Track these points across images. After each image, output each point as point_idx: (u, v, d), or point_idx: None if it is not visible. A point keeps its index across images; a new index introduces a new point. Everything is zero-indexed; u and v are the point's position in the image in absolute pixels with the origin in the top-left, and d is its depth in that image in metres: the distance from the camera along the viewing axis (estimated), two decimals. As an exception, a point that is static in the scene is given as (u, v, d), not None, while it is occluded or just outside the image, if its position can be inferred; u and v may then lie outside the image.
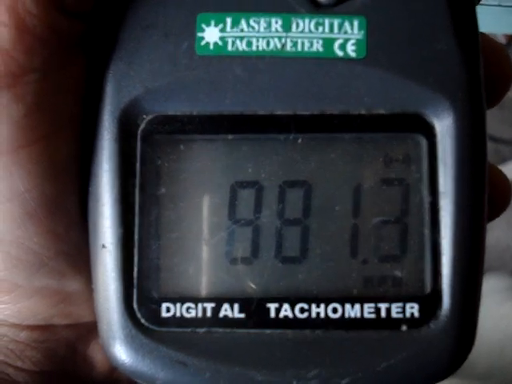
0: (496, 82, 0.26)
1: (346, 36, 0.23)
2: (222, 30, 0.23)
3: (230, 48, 0.23)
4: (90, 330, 0.28)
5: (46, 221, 0.23)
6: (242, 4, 0.23)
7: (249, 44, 0.23)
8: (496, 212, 0.28)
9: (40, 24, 0.22)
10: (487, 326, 0.75)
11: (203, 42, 0.23)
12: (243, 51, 0.23)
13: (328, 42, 0.23)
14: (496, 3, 0.64)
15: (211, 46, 0.23)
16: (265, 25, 0.23)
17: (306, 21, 0.23)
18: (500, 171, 0.28)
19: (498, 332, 0.75)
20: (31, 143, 0.22)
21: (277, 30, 0.23)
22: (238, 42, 0.23)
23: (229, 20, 0.23)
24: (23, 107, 0.22)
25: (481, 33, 0.25)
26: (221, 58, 0.23)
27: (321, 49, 0.23)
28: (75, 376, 0.28)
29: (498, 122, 1.20)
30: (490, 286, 0.82)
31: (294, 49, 0.23)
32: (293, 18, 0.23)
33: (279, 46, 0.23)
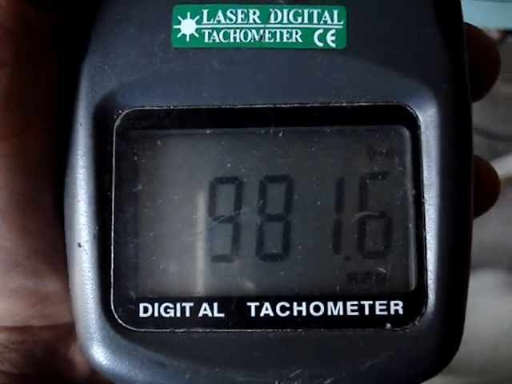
0: (483, 73, 0.26)
1: (326, 26, 0.23)
2: (199, 22, 0.23)
3: (206, 40, 0.23)
4: (69, 330, 0.27)
5: (18, 217, 0.23)
6: None
7: (226, 36, 0.23)
8: (484, 206, 0.28)
9: (8, 16, 0.21)
10: (482, 323, 0.74)
11: (179, 34, 0.23)
12: (220, 43, 0.23)
13: (307, 33, 0.23)
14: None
15: (187, 38, 0.23)
16: (242, 16, 0.23)
17: (285, 11, 0.23)
18: (488, 164, 0.28)
19: (493, 328, 0.74)
20: (2, 140, 0.22)
21: (255, 21, 0.23)
22: (214, 33, 0.23)
23: (205, 12, 0.23)
24: None
25: (468, 24, 0.24)
26: (197, 50, 0.23)
27: (300, 39, 0.23)
28: (55, 378, 0.28)
29: (492, 118, 1.19)
30: (485, 282, 0.82)
31: (272, 40, 0.23)
32: (271, 9, 0.23)
33: (257, 37, 0.23)
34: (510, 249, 1.16)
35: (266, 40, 0.23)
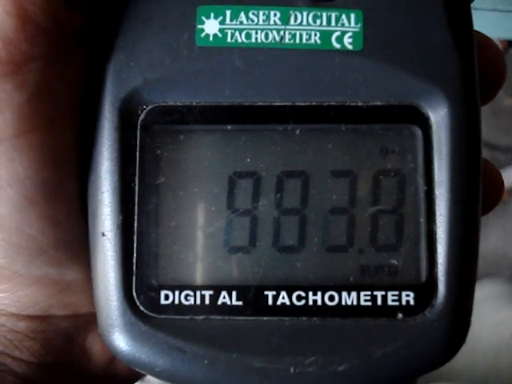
0: (489, 78, 0.27)
1: (343, 29, 0.24)
2: (222, 23, 0.24)
3: (229, 40, 0.24)
4: (88, 321, 0.28)
5: (45, 207, 0.24)
6: None
7: (248, 36, 0.24)
8: (489, 206, 0.29)
9: (42, 14, 0.22)
10: (484, 332, 0.75)
11: (203, 34, 0.24)
12: (242, 43, 0.24)
13: (325, 35, 0.24)
14: (491, 8, 0.64)
15: (211, 38, 0.24)
16: (264, 17, 0.24)
17: (304, 14, 0.24)
18: (492, 165, 0.29)
19: (495, 337, 0.75)
20: (32, 130, 0.23)
21: (275, 23, 0.24)
22: (237, 33, 0.24)
23: (228, 12, 0.24)
24: (25, 94, 0.22)
25: (475, 31, 0.25)
26: (220, 49, 0.24)
27: (318, 41, 0.24)
28: (73, 367, 0.28)
29: (494, 129, 1.20)
30: (487, 291, 0.82)
31: (292, 41, 0.24)
32: (291, 11, 0.24)
33: (278, 38, 0.24)
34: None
35: (286, 41, 0.24)
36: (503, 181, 0.29)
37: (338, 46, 0.24)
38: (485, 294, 0.81)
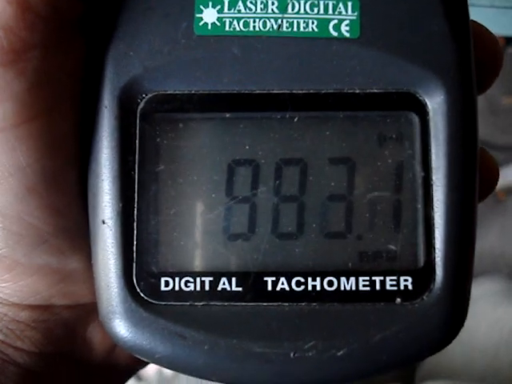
0: (486, 67, 0.27)
1: (341, 17, 0.24)
2: (220, 11, 0.24)
3: (227, 28, 0.24)
4: (88, 311, 0.28)
5: (46, 195, 0.24)
6: None
7: (246, 24, 0.24)
8: (484, 193, 0.29)
9: (41, 2, 0.22)
10: (482, 330, 0.75)
11: (201, 23, 0.24)
12: (240, 31, 0.24)
13: (323, 23, 0.24)
14: (488, 4, 0.65)
15: (209, 27, 0.24)
16: (261, 6, 0.24)
17: (302, 2, 0.24)
18: (487, 152, 0.29)
19: (493, 335, 0.75)
20: (33, 118, 0.23)
21: (273, 11, 0.24)
22: (235, 22, 0.24)
23: (226, 1, 0.24)
24: (25, 82, 0.22)
25: (472, 20, 0.26)
26: (219, 37, 0.24)
27: (316, 29, 0.24)
28: (74, 357, 0.28)
29: (492, 128, 1.21)
30: (485, 289, 0.82)
31: (289, 29, 0.24)
32: (289, 0, 0.24)
33: (275, 26, 0.24)
34: (511, 258, 1.17)
35: (284, 29, 0.24)
36: (498, 168, 0.29)
37: (335, 33, 0.24)
38: (482, 292, 0.81)
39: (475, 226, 0.24)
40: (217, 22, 0.24)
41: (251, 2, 0.24)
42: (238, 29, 0.24)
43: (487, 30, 0.28)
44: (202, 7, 0.24)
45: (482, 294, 0.80)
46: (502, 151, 1.20)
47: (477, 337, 0.74)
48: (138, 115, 0.24)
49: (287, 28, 0.24)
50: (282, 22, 0.24)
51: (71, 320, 0.28)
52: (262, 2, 0.24)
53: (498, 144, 1.20)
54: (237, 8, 0.24)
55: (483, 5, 0.67)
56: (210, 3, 0.24)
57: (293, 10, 0.24)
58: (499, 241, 1.18)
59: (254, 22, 0.24)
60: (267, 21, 0.24)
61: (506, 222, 1.19)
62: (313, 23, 0.24)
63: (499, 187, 1.36)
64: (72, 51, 0.24)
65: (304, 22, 0.24)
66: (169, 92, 0.24)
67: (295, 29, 0.24)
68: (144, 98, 0.24)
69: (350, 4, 0.24)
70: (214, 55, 0.24)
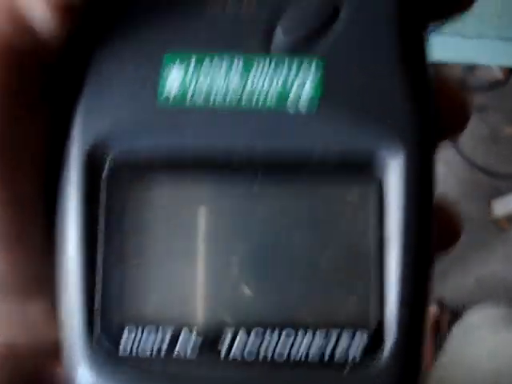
0: (451, 121, 0.28)
1: (299, 92, 0.25)
2: (183, 84, 0.25)
3: (188, 101, 0.25)
4: (56, 349, 0.29)
5: (8, 256, 0.25)
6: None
7: (207, 97, 0.25)
8: (448, 245, 0.29)
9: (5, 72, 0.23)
10: (483, 355, 0.75)
11: (163, 95, 0.25)
12: (202, 104, 0.25)
13: (281, 96, 0.25)
14: (495, 36, 0.65)
15: (171, 100, 0.25)
16: (222, 81, 0.25)
17: (262, 76, 0.25)
18: (451, 206, 0.29)
19: (493, 360, 0.75)
20: None
21: (235, 81, 0.25)
22: (196, 95, 0.25)
23: (190, 72, 0.25)
24: None
25: (437, 74, 0.26)
26: (180, 109, 0.25)
27: (274, 103, 0.25)
28: None
29: (495, 157, 1.21)
30: (485, 315, 0.82)
31: (249, 103, 0.25)
32: (250, 74, 0.25)
33: (235, 101, 0.25)
34: (511, 285, 1.16)
35: (243, 103, 0.25)
36: (461, 222, 0.29)
37: (293, 109, 0.25)
38: (483, 318, 0.81)
39: (430, 290, 0.25)
40: (179, 95, 0.25)
41: (214, 74, 0.25)
42: (199, 102, 0.25)
43: (450, 83, 0.28)
44: (166, 76, 0.25)
45: (483, 321, 0.80)
46: (504, 180, 1.20)
47: (478, 363, 0.74)
48: (105, 175, 0.25)
49: (246, 102, 0.25)
50: (241, 96, 0.25)
51: (39, 358, 0.29)
52: (224, 77, 0.25)
53: (499, 173, 1.20)
54: (199, 80, 0.25)
55: (490, 36, 0.67)
56: (174, 77, 0.25)
57: (252, 85, 0.25)
58: (501, 268, 1.18)
59: (216, 95, 0.25)
60: (227, 95, 0.25)
61: (508, 250, 1.19)
62: (271, 98, 0.25)
63: (502, 215, 1.36)
64: (35, 120, 0.25)
65: (264, 96, 0.25)
66: (134, 151, 0.25)
67: (254, 103, 0.25)
68: (109, 158, 0.25)
69: (309, 81, 0.25)
70: (177, 126, 0.25)
